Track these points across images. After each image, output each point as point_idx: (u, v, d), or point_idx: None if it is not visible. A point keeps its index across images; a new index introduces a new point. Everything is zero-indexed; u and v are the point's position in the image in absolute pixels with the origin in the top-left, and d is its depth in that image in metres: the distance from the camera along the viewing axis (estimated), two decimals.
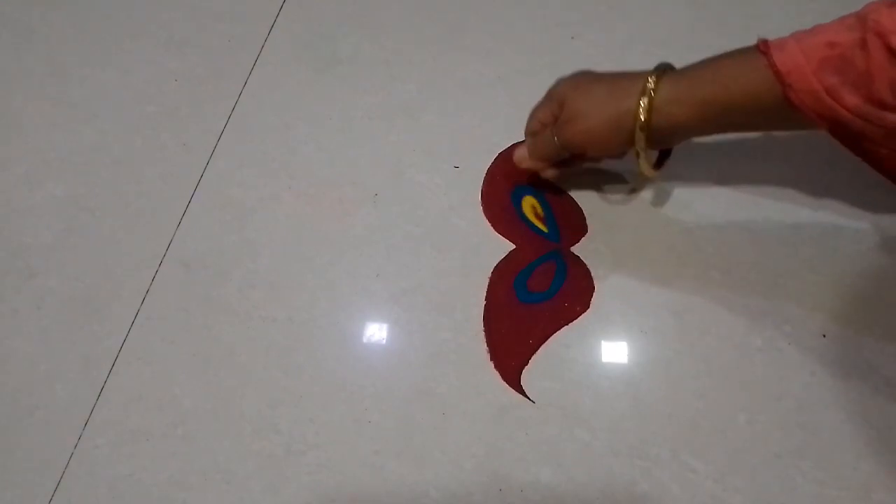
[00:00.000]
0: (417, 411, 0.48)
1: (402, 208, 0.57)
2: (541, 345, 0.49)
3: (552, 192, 0.56)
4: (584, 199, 0.56)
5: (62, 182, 0.61)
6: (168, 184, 0.60)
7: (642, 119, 0.44)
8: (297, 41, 0.68)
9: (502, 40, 0.66)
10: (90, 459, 0.48)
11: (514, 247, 0.54)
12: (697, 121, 0.44)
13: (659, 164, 0.51)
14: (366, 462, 0.46)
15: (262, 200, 0.58)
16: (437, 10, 0.68)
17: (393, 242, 0.55)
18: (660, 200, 0.55)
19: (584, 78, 0.49)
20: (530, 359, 0.49)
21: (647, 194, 0.55)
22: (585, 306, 0.51)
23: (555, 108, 0.49)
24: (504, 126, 0.60)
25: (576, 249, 0.53)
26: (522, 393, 0.48)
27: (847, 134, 0.41)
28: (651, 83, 0.44)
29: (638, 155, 0.47)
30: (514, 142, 0.59)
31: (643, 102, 0.44)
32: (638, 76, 0.46)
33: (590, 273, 0.52)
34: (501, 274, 0.53)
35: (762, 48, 0.41)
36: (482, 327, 0.50)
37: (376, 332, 0.51)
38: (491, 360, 0.49)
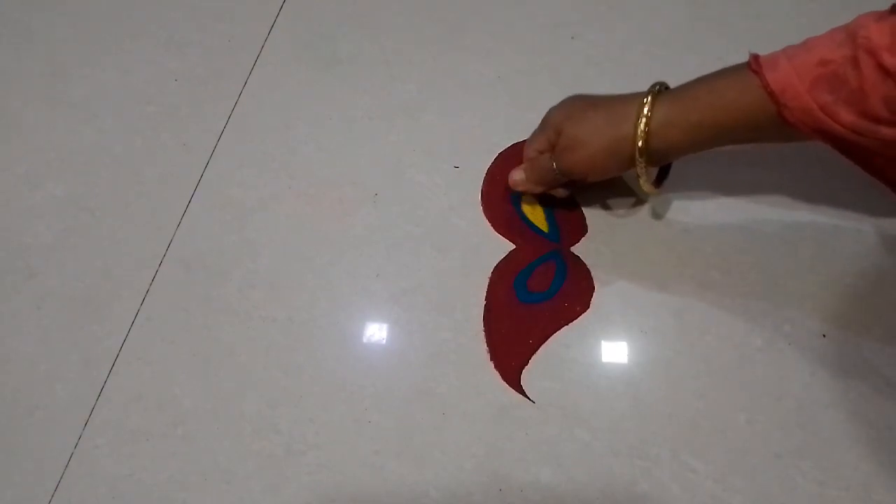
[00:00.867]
0: (417, 411, 0.48)
1: (402, 208, 0.57)
2: (541, 345, 0.49)
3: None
4: (585, 199, 0.56)
5: (62, 182, 0.61)
6: (168, 184, 0.60)
7: (640, 144, 0.45)
8: (297, 41, 0.68)
9: (502, 40, 0.66)
10: (90, 459, 0.48)
11: (514, 247, 0.54)
12: (692, 142, 0.45)
13: (659, 181, 0.52)
14: (366, 462, 0.46)
15: (262, 200, 0.58)
16: (437, 10, 0.68)
17: (393, 242, 0.55)
18: (660, 201, 0.55)
19: (578, 104, 0.49)
20: (530, 359, 0.49)
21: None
22: (585, 306, 0.51)
23: (551, 135, 0.49)
24: (504, 126, 0.60)
25: (576, 249, 0.53)
26: (522, 393, 0.48)
27: (843, 146, 0.41)
28: (647, 107, 0.45)
29: (638, 176, 0.47)
30: (514, 142, 0.59)
31: (640, 127, 0.44)
32: (632, 100, 0.46)
33: (590, 273, 0.52)
34: (501, 274, 0.53)
35: (754, 67, 0.41)
36: (482, 327, 0.50)
37: (376, 332, 0.51)
38: (491, 360, 0.49)
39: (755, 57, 0.42)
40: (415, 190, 0.58)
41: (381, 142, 0.60)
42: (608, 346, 0.49)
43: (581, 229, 0.54)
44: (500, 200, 0.56)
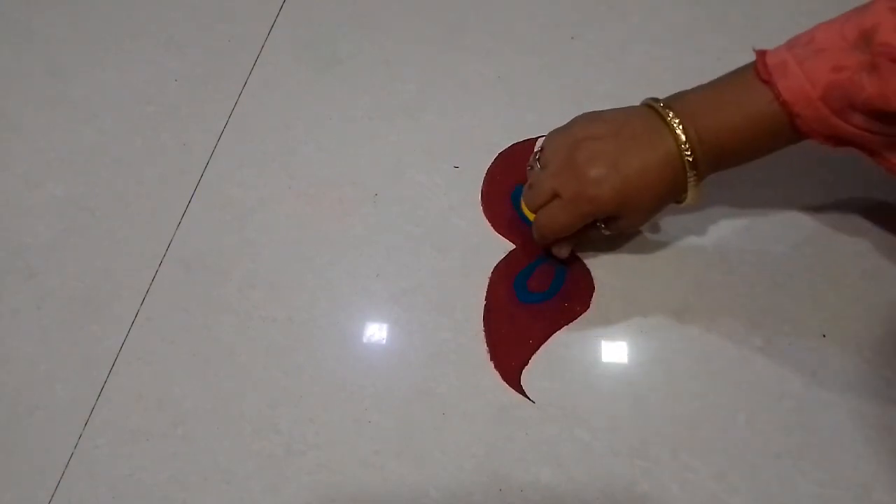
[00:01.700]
0: (417, 411, 0.48)
1: (402, 208, 0.57)
2: (541, 345, 0.49)
3: None
4: None
5: (62, 182, 0.61)
6: (168, 184, 0.60)
7: (689, 157, 0.42)
8: (297, 41, 0.68)
9: (502, 40, 0.66)
10: (90, 459, 0.48)
11: (514, 247, 0.54)
12: (724, 152, 0.43)
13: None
14: (366, 462, 0.46)
15: (262, 200, 0.58)
16: (437, 10, 0.68)
17: (393, 242, 0.55)
18: None
19: (577, 139, 0.45)
20: (530, 359, 0.49)
21: None
22: (585, 306, 0.51)
23: (600, 217, 0.45)
24: (504, 126, 0.60)
25: (576, 249, 0.53)
26: (522, 393, 0.48)
27: (854, 146, 0.41)
28: (676, 122, 0.42)
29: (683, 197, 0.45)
30: (514, 142, 0.59)
31: (681, 139, 0.41)
32: (646, 114, 0.43)
33: (590, 273, 0.52)
34: (501, 274, 0.53)
35: (765, 77, 0.39)
36: (482, 327, 0.50)
37: (376, 332, 0.51)
38: (491, 360, 0.49)
39: (763, 62, 0.40)
40: (415, 190, 0.58)
41: (381, 142, 0.60)
42: (608, 346, 0.49)
43: None
44: (500, 200, 0.56)
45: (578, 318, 0.50)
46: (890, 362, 0.47)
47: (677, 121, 0.42)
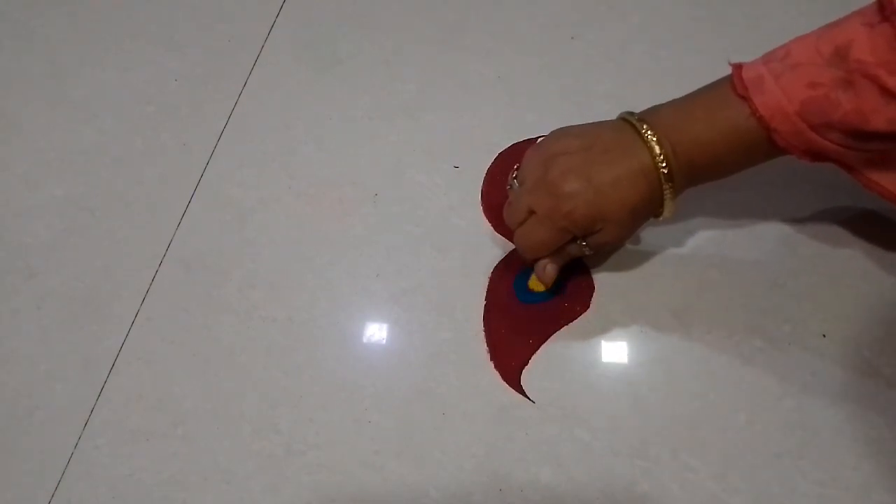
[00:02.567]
0: (417, 411, 0.48)
1: (402, 208, 0.57)
2: (541, 345, 0.49)
3: None
4: None
5: (62, 182, 0.61)
6: (168, 184, 0.60)
7: (664, 168, 0.41)
8: (297, 41, 0.68)
9: (502, 40, 0.66)
10: (90, 459, 0.48)
11: (514, 247, 0.54)
12: (698, 166, 0.42)
13: None
14: (366, 462, 0.46)
15: (262, 200, 0.58)
16: (437, 10, 0.68)
17: (393, 242, 0.55)
18: None
19: (551, 154, 0.43)
20: (530, 359, 0.49)
21: None
22: (585, 306, 0.51)
23: (577, 232, 0.44)
24: (504, 126, 0.60)
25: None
26: (522, 393, 0.48)
27: (832, 161, 0.41)
28: (650, 135, 0.41)
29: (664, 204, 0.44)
30: (514, 142, 0.59)
31: (655, 149, 0.41)
32: (620, 127, 0.43)
33: (590, 273, 0.52)
34: (501, 274, 0.53)
35: (741, 92, 0.39)
36: (482, 327, 0.50)
37: (376, 332, 0.51)
38: (491, 360, 0.49)
39: (739, 76, 0.39)
40: (415, 190, 0.58)
41: (381, 142, 0.60)
42: (608, 346, 0.49)
43: None
44: (500, 200, 0.56)
45: (578, 318, 0.50)
46: (890, 362, 0.47)
47: (651, 133, 0.41)
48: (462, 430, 0.47)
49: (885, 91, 0.34)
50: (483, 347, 0.50)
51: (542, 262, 0.47)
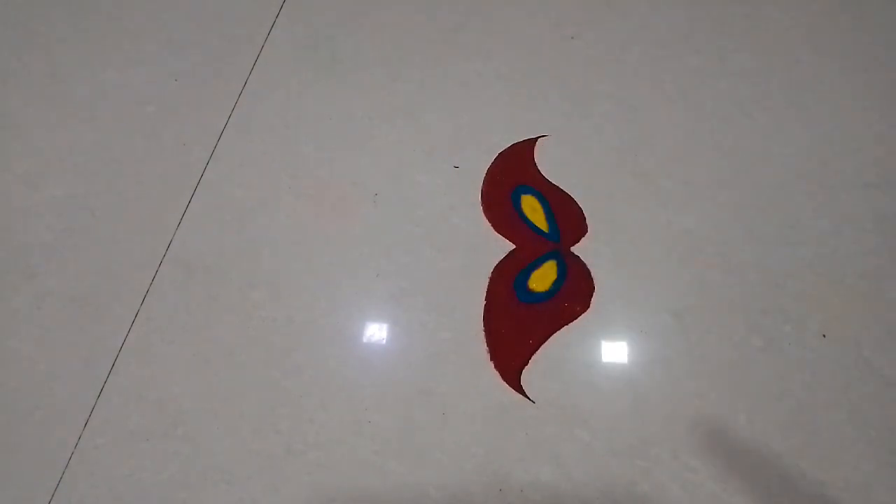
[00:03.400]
0: (417, 411, 0.48)
1: (402, 208, 0.57)
2: (541, 345, 0.49)
3: (552, 192, 0.56)
4: (584, 198, 0.56)
5: (62, 182, 0.61)
6: (168, 184, 0.60)
7: None
8: (297, 41, 0.68)
9: (502, 40, 0.66)
10: (90, 459, 0.48)
11: (514, 247, 0.54)
12: None
13: None
14: (366, 462, 0.46)
15: (262, 200, 0.58)
16: (437, 10, 0.68)
17: (393, 242, 0.55)
18: (660, 202, 0.55)
19: None
20: (530, 359, 0.49)
21: (647, 194, 0.55)
22: (585, 306, 0.51)
23: None
24: (504, 126, 0.60)
25: (576, 249, 0.53)
26: (522, 393, 0.48)
27: None
28: None
29: None
30: (514, 142, 0.59)
31: None
32: None
33: (590, 273, 0.52)
34: (501, 274, 0.53)
35: None
36: (482, 327, 0.50)
37: (376, 332, 0.51)
38: (491, 360, 0.49)
39: None
40: (415, 190, 0.57)
41: (381, 142, 0.60)
42: (608, 346, 0.49)
43: (581, 229, 0.54)
44: (500, 200, 0.56)
45: (578, 318, 0.50)
46: (890, 362, 0.47)
47: None
48: (462, 430, 0.47)
49: None
50: (483, 347, 0.50)
51: None
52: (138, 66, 0.67)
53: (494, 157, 0.58)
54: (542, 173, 0.57)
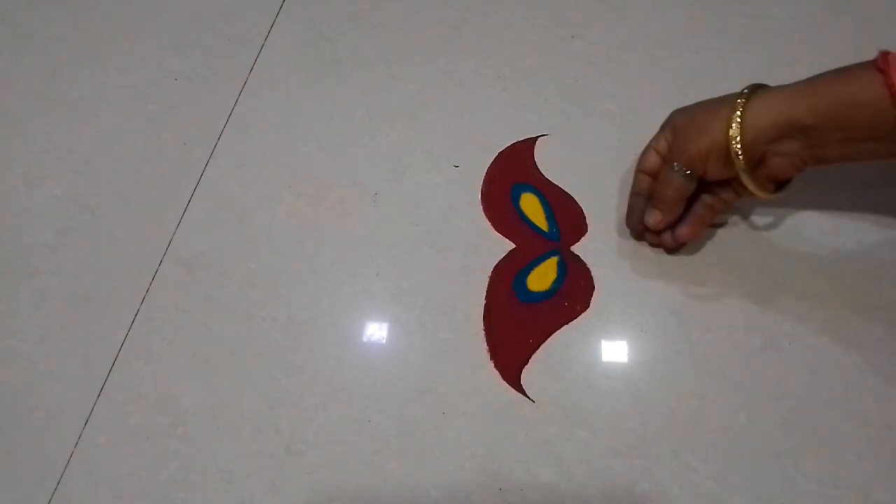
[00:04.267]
0: (417, 411, 0.48)
1: (402, 208, 0.57)
2: (541, 344, 0.49)
3: (552, 192, 0.56)
4: (585, 198, 0.56)
5: (62, 182, 0.61)
6: (168, 183, 0.60)
7: (735, 127, 0.42)
8: (297, 41, 0.68)
9: (502, 40, 0.66)
10: (90, 459, 0.48)
11: (514, 246, 0.54)
12: (804, 115, 0.41)
13: (777, 189, 0.47)
14: (366, 462, 0.46)
15: (262, 200, 0.58)
16: (437, 10, 0.68)
17: (393, 242, 0.55)
18: None
19: (694, 103, 0.47)
20: (530, 358, 0.49)
21: None
22: (585, 306, 0.51)
23: (668, 134, 0.47)
24: (504, 126, 0.60)
25: (576, 249, 0.53)
26: (522, 392, 0.48)
27: None
28: (746, 91, 0.43)
29: (741, 177, 0.44)
30: (514, 141, 0.59)
31: (738, 105, 0.42)
32: (730, 96, 0.44)
33: (590, 273, 0.52)
34: (501, 274, 0.53)
35: (881, 65, 0.38)
36: (482, 327, 0.50)
37: (376, 331, 0.51)
38: (491, 359, 0.49)
39: (884, 53, 0.39)
40: (415, 190, 0.58)
41: (381, 142, 0.61)
42: (608, 345, 0.49)
43: (581, 229, 0.54)
44: (500, 200, 0.56)
45: (578, 318, 0.50)
46: (890, 362, 0.47)
47: (746, 91, 0.43)
48: (462, 429, 0.47)
49: None
50: (483, 347, 0.50)
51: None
52: (138, 66, 0.67)
53: (494, 156, 0.58)
54: (542, 173, 0.57)
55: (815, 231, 0.52)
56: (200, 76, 0.66)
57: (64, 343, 0.53)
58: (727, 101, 0.44)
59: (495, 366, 0.49)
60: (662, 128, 0.48)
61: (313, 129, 0.62)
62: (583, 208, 0.55)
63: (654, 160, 0.49)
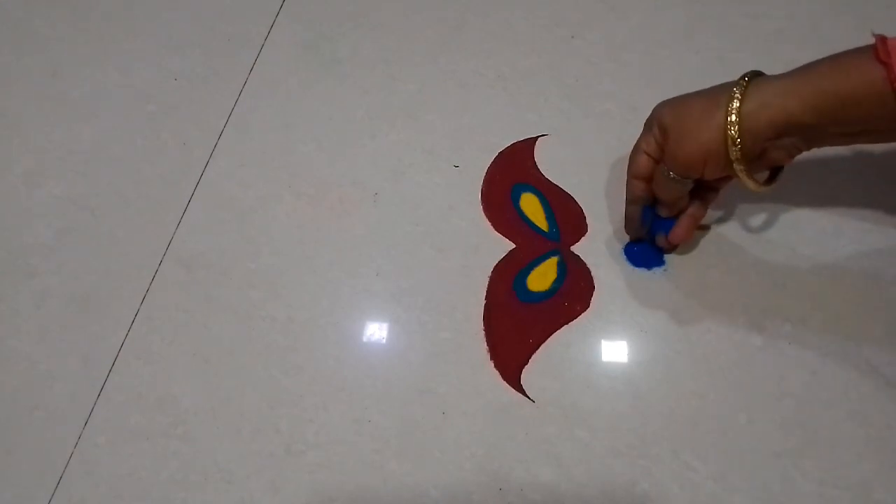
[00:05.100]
0: (417, 411, 0.48)
1: (402, 208, 0.57)
2: (541, 344, 0.49)
3: (552, 192, 0.56)
4: (584, 198, 0.56)
5: (62, 182, 0.61)
6: (168, 183, 0.60)
7: (733, 132, 0.41)
8: (297, 41, 0.68)
9: (502, 40, 0.66)
10: (90, 458, 0.48)
11: (514, 246, 0.54)
12: (803, 115, 0.40)
13: (772, 176, 0.46)
14: (366, 462, 0.46)
15: (262, 200, 0.58)
16: (437, 10, 0.68)
17: (393, 242, 0.55)
18: None
19: (680, 96, 0.45)
20: (530, 358, 0.49)
21: None
22: (585, 306, 0.51)
23: (657, 134, 0.45)
24: (504, 126, 0.60)
25: (576, 249, 0.53)
26: (522, 392, 0.48)
27: None
28: (737, 91, 0.41)
29: (737, 171, 0.43)
30: (514, 141, 0.59)
31: (732, 109, 0.40)
32: (727, 84, 0.42)
33: (590, 273, 0.52)
34: (501, 274, 0.53)
35: (882, 57, 0.37)
36: (482, 327, 0.50)
37: (376, 331, 0.51)
38: (491, 359, 0.49)
39: (882, 40, 0.38)
40: (415, 190, 0.58)
41: (381, 142, 0.61)
42: (608, 345, 0.49)
43: (581, 229, 0.54)
44: (500, 200, 0.56)
45: (578, 318, 0.50)
46: (890, 362, 0.47)
47: (745, 81, 0.42)
48: (462, 429, 0.47)
49: None
50: (483, 347, 0.50)
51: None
52: (138, 66, 0.67)
53: (494, 156, 0.58)
54: (542, 173, 0.57)
55: (815, 231, 0.52)
56: (200, 76, 0.66)
57: (64, 343, 0.53)
58: (720, 102, 0.41)
59: (495, 366, 0.49)
60: (648, 125, 0.46)
61: (313, 129, 0.62)
62: (583, 208, 0.55)
63: (645, 164, 0.47)
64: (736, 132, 0.41)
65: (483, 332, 0.50)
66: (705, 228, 0.53)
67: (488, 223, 0.55)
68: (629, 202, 0.50)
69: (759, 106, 0.41)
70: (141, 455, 0.48)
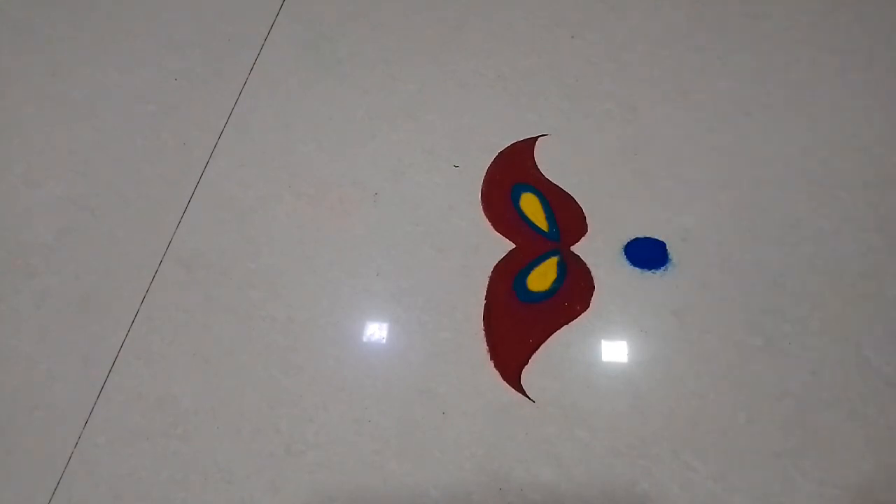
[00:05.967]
0: (417, 411, 0.48)
1: (402, 208, 0.57)
2: (541, 344, 0.49)
3: (552, 192, 0.56)
4: (584, 198, 0.56)
5: (62, 182, 0.61)
6: (168, 183, 0.60)
7: None
8: (297, 41, 0.68)
9: (502, 40, 0.66)
10: (90, 458, 0.48)
11: (514, 246, 0.54)
12: None
13: None
14: (366, 462, 0.46)
15: (262, 200, 0.58)
16: (437, 10, 0.68)
17: (393, 242, 0.55)
18: (660, 203, 0.55)
19: None
20: (530, 358, 0.49)
21: (647, 193, 0.55)
22: (585, 305, 0.51)
23: None
24: (504, 126, 0.60)
25: (576, 249, 0.53)
26: (522, 392, 0.48)
27: None
28: None
29: None
30: (514, 141, 0.59)
31: None
32: None
33: (590, 273, 0.52)
34: (501, 274, 0.53)
35: None
36: (482, 327, 0.50)
37: (376, 331, 0.51)
38: (491, 359, 0.49)
39: None
40: (415, 190, 0.58)
41: (381, 142, 0.60)
42: (608, 345, 0.49)
43: (581, 229, 0.54)
44: (500, 200, 0.56)
45: (578, 318, 0.50)
46: (890, 362, 0.47)
47: None
48: (462, 429, 0.47)
49: None
50: (483, 347, 0.50)
51: None
52: (138, 66, 0.67)
53: (494, 156, 0.58)
54: (542, 173, 0.57)
55: (815, 232, 0.52)
56: (200, 76, 0.66)
57: (64, 343, 0.53)
58: None
59: (495, 366, 0.49)
60: None
61: (313, 129, 0.62)
62: (583, 208, 0.55)
63: None
64: None
65: (483, 332, 0.50)
66: None
67: (488, 223, 0.55)
68: None
69: None
70: (141, 455, 0.48)
